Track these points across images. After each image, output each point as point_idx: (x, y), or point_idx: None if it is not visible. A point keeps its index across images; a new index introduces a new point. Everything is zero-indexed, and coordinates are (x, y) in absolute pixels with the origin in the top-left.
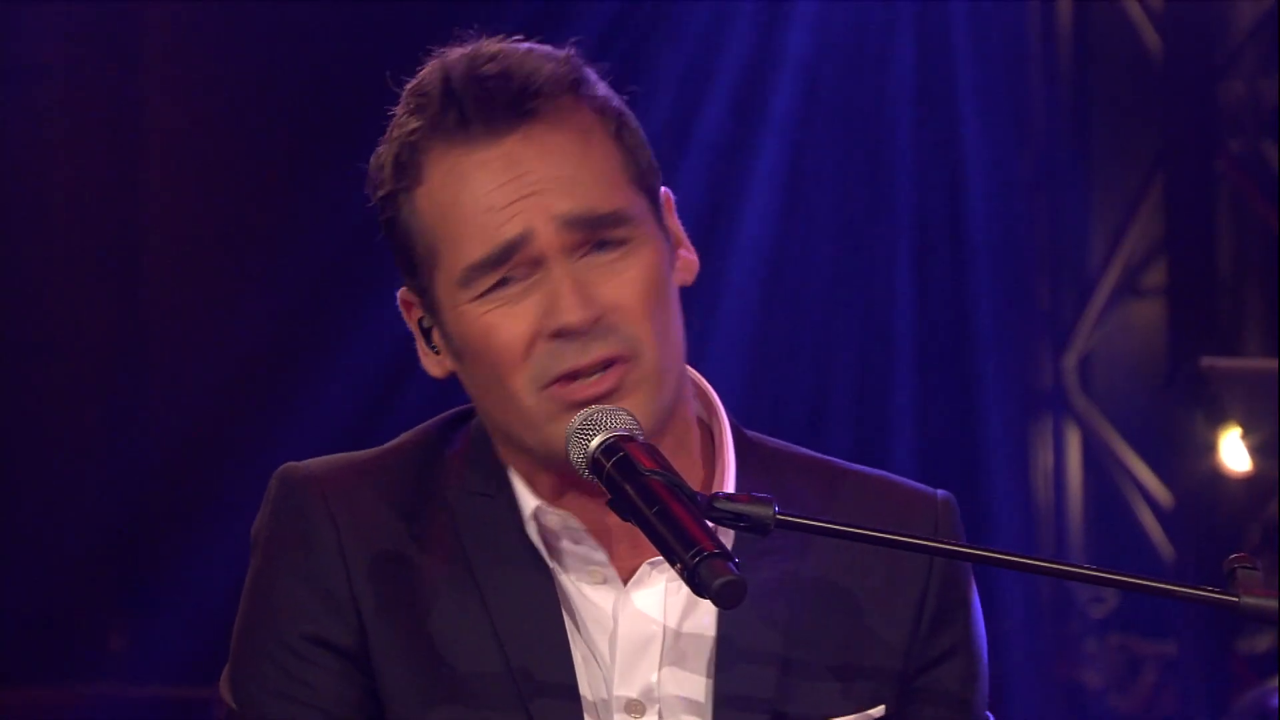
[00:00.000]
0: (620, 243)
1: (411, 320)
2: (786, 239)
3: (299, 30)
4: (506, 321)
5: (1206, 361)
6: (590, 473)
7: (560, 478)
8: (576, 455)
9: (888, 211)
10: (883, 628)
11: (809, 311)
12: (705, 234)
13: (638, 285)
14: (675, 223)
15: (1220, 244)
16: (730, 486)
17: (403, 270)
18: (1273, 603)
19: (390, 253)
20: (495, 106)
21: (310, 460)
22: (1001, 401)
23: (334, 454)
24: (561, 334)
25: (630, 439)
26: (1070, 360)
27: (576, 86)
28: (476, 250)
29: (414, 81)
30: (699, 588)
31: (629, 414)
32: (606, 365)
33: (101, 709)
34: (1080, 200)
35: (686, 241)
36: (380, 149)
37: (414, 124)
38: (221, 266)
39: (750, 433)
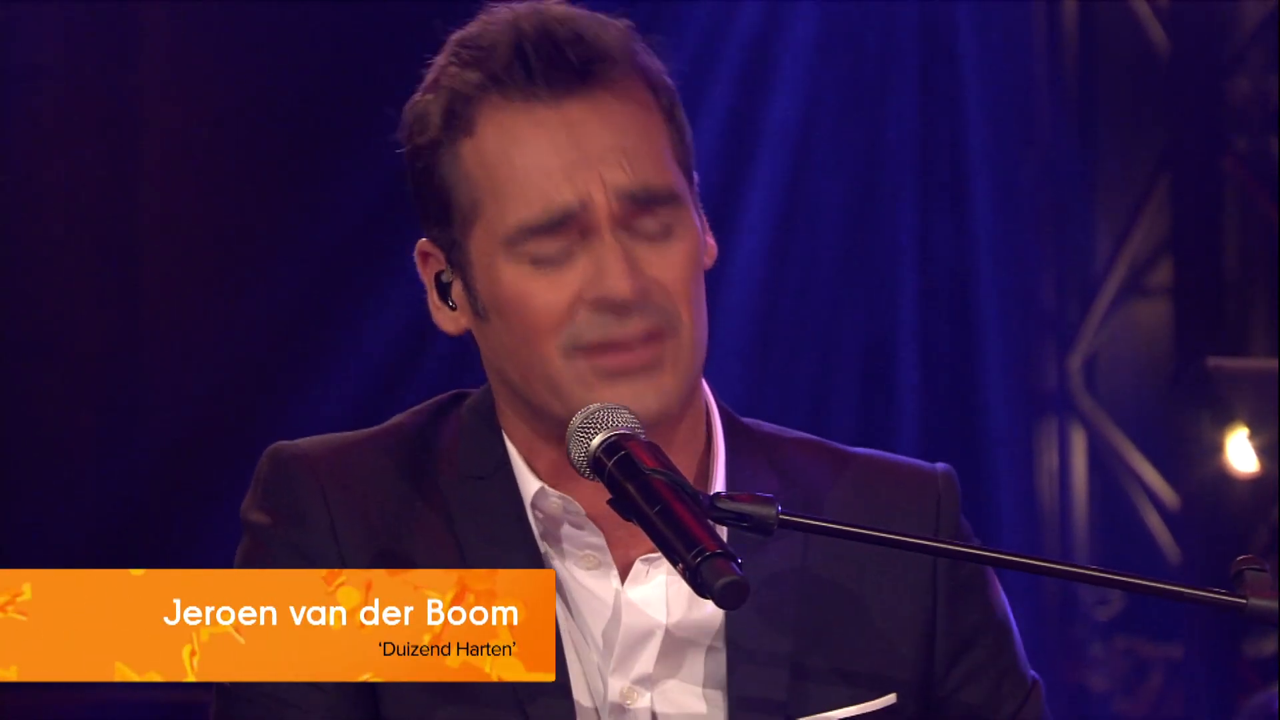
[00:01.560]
0: (667, 221)
1: (428, 273)
2: (789, 238)
3: (297, 30)
4: (548, 286)
5: (1213, 361)
6: (591, 471)
7: (563, 457)
8: (577, 454)
9: (890, 210)
10: (892, 614)
11: (812, 311)
12: (710, 225)
13: (681, 265)
14: (700, 210)
15: (1227, 243)
16: (721, 470)
17: (430, 221)
18: None
19: (416, 207)
20: (563, 68)
21: (301, 440)
22: (1006, 402)
23: (325, 434)
24: (606, 304)
25: (632, 437)
26: (1075, 360)
27: (639, 57)
28: (530, 212)
29: (468, 31)
30: (701, 588)
31: (630, 412)
32: (645, 339)
33: (101, 710)
34: (1085, 199)
35: (707, 226)
36: (422, 96)
37: (471, 75)
38: (220, 265)
39: (744, 419)
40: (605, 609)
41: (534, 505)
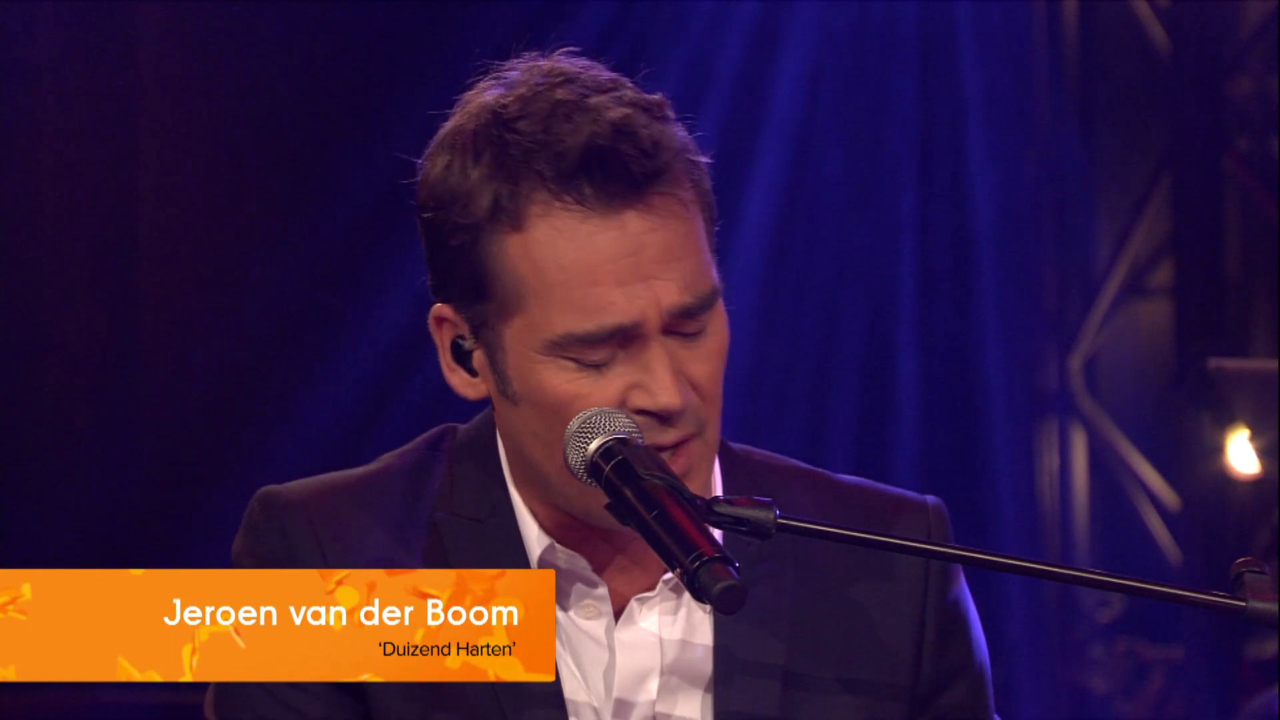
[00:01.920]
0: (704, 321)
1: (444, 337)
2: (790, 239)
3: (294, 29)
4: (592, 392)
5: (1214, 362)
6: (589, 476)
7: (571, 519)
8: (575, 459)
9: (892, 210)
10: (883, 643)
11: (812, 312)
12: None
13: (714, 366)
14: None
15: (1228, 243)
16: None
17: (456, 291)
18: None
19: (434, 274)
20: (626, 181)
21: (291, 483)
22: (1006, 403)
23: (314, 476)
24: (653, 413)
25: (629, 442)
26: (1076, 361)
27: (688, 157)
28: (582, 325)
29: (512, 99)
30: (699, 593)
31: (628, 416)
32: (675, 445)
33: (102, 711)
34: (1086, 199)
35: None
36: (455, 160)
37: (526, 171)
38: (217, 264)
39: (735, 445)
40: (602, 651)
41: (543, 560)
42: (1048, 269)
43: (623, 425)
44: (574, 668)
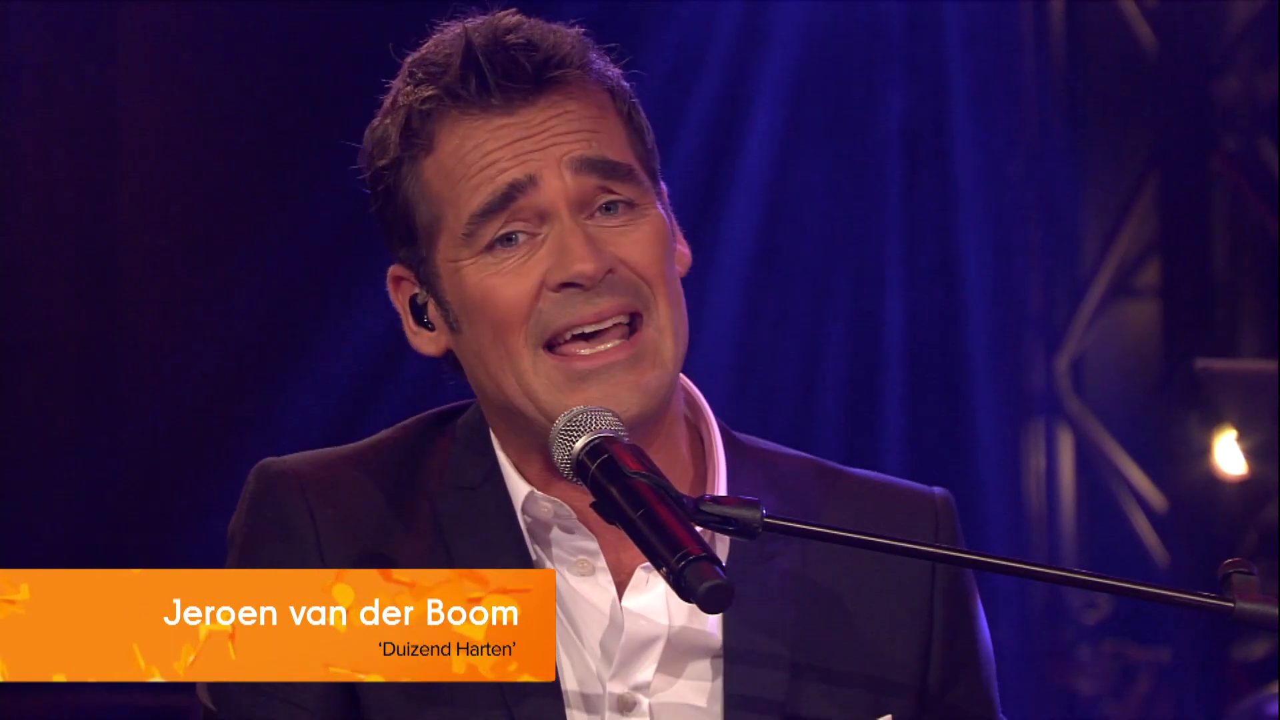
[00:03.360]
0: (629, 204)
1: (402, 298)
2: (775, 238)
3: (276, 28)
4: (511, 279)
5: (1201, 363)
6: (575, 475)
7: (552, 464)
8: (560, 457)
9: (878, 211)
10: (889, 635)
11: (797, 311)
12: (692, 232)
13: (648, 246)
14: (671, 215)
15: (1215, 243)
16: (722, 487)
17: (398, 243)
18: (1268, 608)
19: (382, 230)
20: (517, 75)
21: (289, 456)
22: (993, 404)
23: (314, 449)
24: (570, 284)
25: (615, 440)
26: (1063, 362)
27: (593, 63)
28: (479, 198)
29: (422, 51)
30: (684, 592)
31: (614, 415)
32: (621, 327)
33: (87, 714)
34: (1073, 199)
35: (680, 234)
36: (379, 121)
37: (427, 91)
38: (203, 261)
39: (741, 435)
40: (602, 617)
41: (524, 510)
42: (1035, 269)
43: (609, 423)
44: (569, 632)
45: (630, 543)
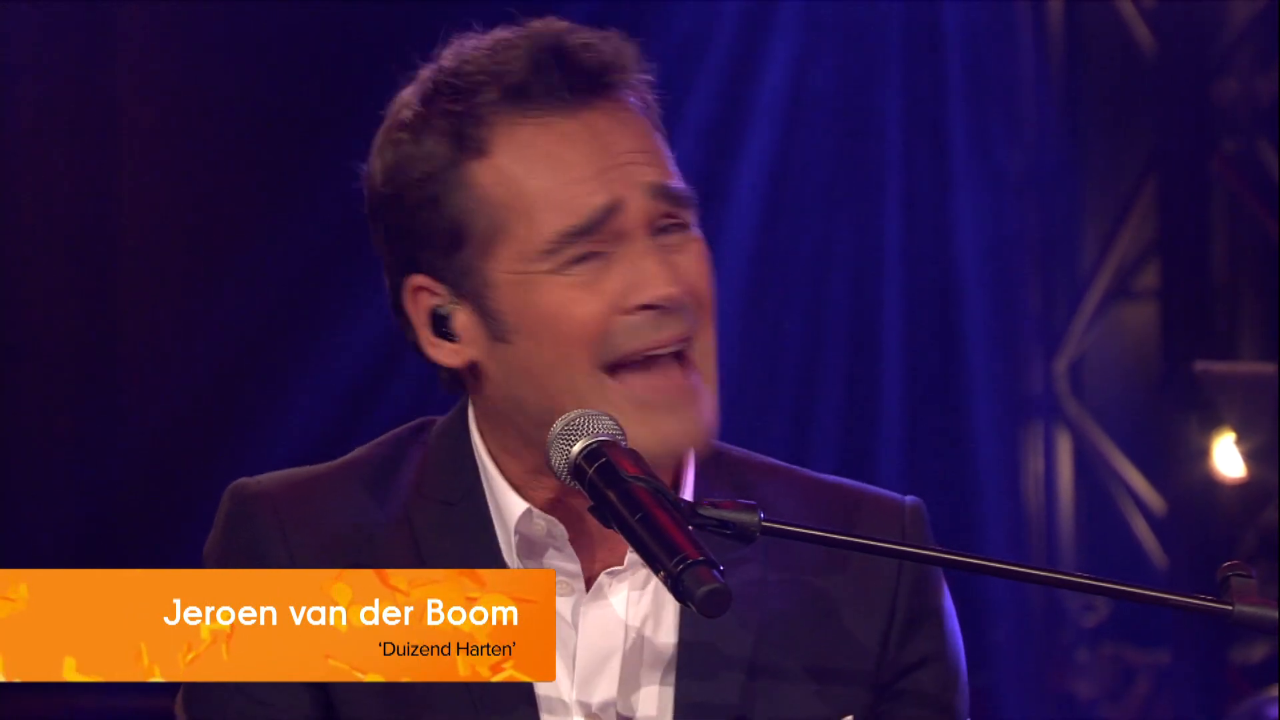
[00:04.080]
0: (686, 226)
1: (421, 309)
2: (773, 240)
3: (276, 28)
4: (587, 297)
5: (1200, 365)
6: (572, 479)
7: (560, 487)
8: (558, 461)
9: (876, 212)
10: (852, 635)
11: (795, 313)
12: None
13: (704, 266)
14: None
15: (1215, 246)
16: (689, 493)
17: (430, 254)
18: (1267, 611)
19: (402, 244)
20: (581, 78)
21: (262, 476)
22: (991, 406)
23: (287, 469)
24: (649, 307)
25: (613, 444)
26: (1061, 364)
27: (641, 65)
28: (566, 219)
29: (448, 64)
30: (683, 596)
31: (612, 419)
32: (677, 353)
33: (87, 714)
34: (1072, 201)
35: None
36: (398, 134)
37: (481, 96)
38: (197, 266)
39: (714, 442)
40: (570, 632)
41: (517, 528)
42: (1033, 271)
43: (606, 427)
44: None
45: (600, 558)
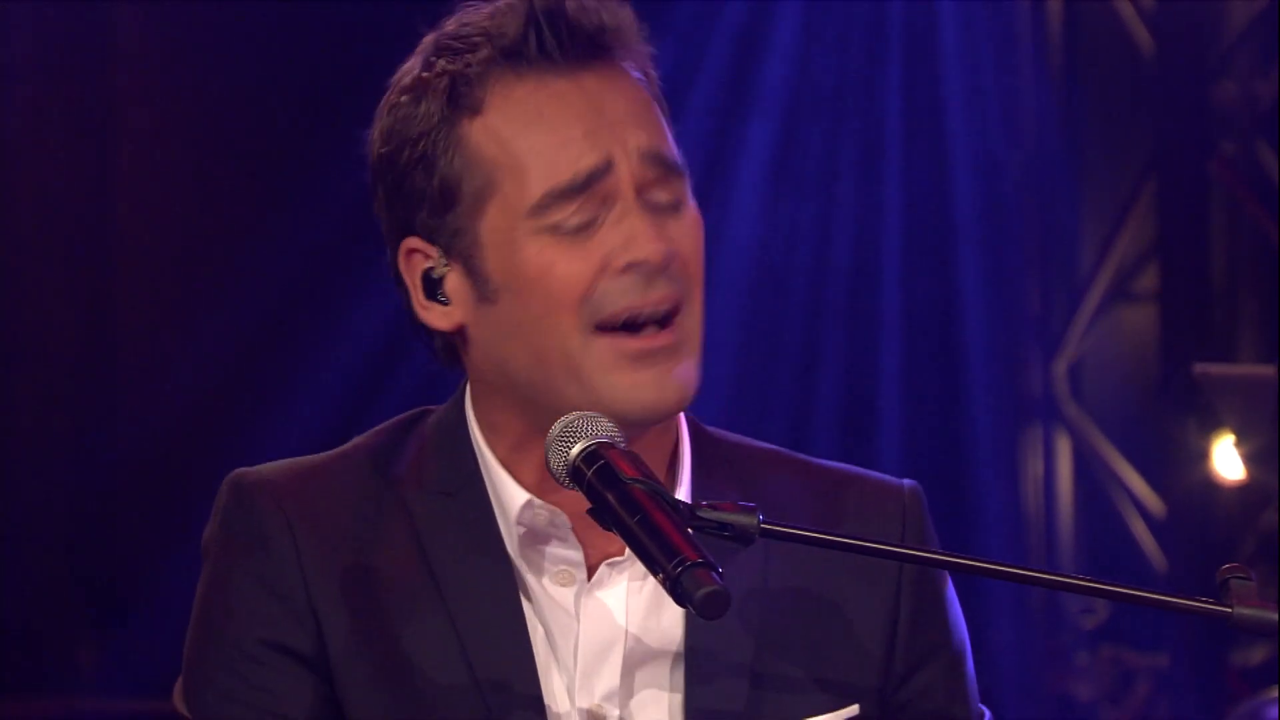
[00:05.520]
0: (678, 193)
1: (414, 272)
2: (772, 242)
3: (276, 29)
4: (573, 255)
5: (1200, 367)
6: (571, 481)
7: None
8: (556, 463)
9: (875, 214)
10: (856, 628)
11: (794, 316)
12: None
13: (695, 235)
14: None
15: (1214, 248)
16: (686, 481)
17: (428, 213)
18: (1266, 614)
19: (399, 205)
20: (577, 39)
21: (261, 465)
22: (990, 408)
23: (286, 459)
24: (635, 267)
25: (611, 446)
26: (1060, 366)
27: (642, 35)
28: (556, 178)
29: (448, 29)
30: (682, 598)
31: (610, 421)
32: (665, 316)
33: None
34: (1071, 203)
35: None
36: (401, 97)
37: (476, 55)
38: (195, 268)
39: (711, 429)
40: (571, 621)
41: (519, 520)
42: (1032, 273)
43: (605, 429)
44: (547, 640)
45: (600, 546)
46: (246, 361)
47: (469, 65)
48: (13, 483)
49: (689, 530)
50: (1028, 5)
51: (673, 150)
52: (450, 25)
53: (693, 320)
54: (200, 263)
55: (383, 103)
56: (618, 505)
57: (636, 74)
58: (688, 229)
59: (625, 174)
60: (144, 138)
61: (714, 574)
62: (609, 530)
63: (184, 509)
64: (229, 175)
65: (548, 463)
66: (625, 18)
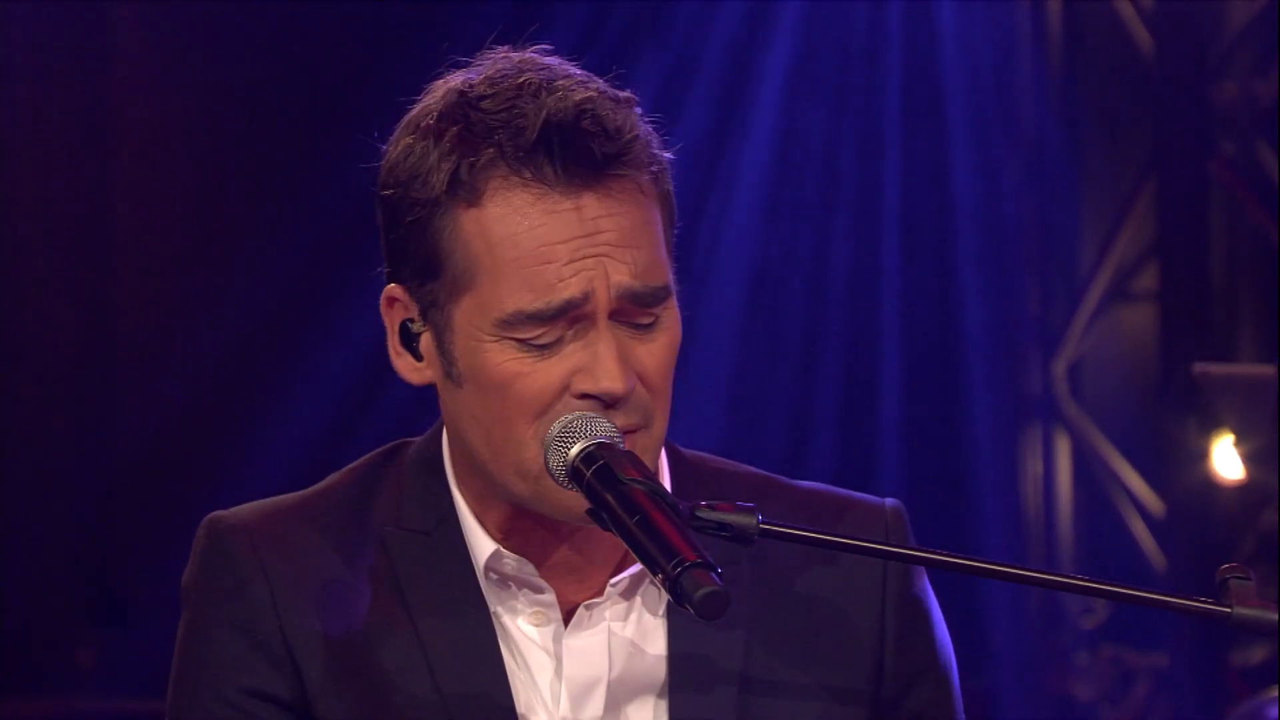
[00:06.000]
0: (656, 315)
1: (394, 318)
2: (772, 245)
3: (275, 29)
4: (537, 371)
5: (1199, 367)
6: (570, 481)
7: (517, 515)
8: (556, 463)
9: (875, 214)
10: (841, 645)
11: (795, 317)
12: (687, 241)
13: (663, 359)
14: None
15: (1213, 247)
16: None
17: (407, 272)
18: (1266, 613)
19: (389, 252)
20: (586, 162)
21: (237, 508)
22: (990, 408)
23: (261, 500)
24: (595, 398)
25: (610, 447)
26: (1060, 366)
27: (649, 145)
28: (532, 299)
29: (479, 87)
30: (680, 598)
31: (609, 422)
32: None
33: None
34: (1071, 203)
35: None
36: (419, 142)
37: (487, 147)
38: (194, 268)
39: (689, 451)
40: (549, 660)
41: (488, 567)
42: (1032, 273)
43: (604, 430)
44: (525, 679)
45: (575, 583)
46: (246, 361)
47: (476, 155)
48: (13, 483)
49: (688, 531)
50: (1028, 5)
51: (662, 275)
52: (478, 85)
53: (651, 438)
54: (200, 262)
55: (402, 126)
56: (617, 505)
57: (646, 182)
58: (658, 349)
59: (602, 302)
60: (144, 138)
61: (713, 574)
62: (607, 530)
63: (184, 509)
64: (229, 175)
65: (546, 462)
66: (642, 137)
